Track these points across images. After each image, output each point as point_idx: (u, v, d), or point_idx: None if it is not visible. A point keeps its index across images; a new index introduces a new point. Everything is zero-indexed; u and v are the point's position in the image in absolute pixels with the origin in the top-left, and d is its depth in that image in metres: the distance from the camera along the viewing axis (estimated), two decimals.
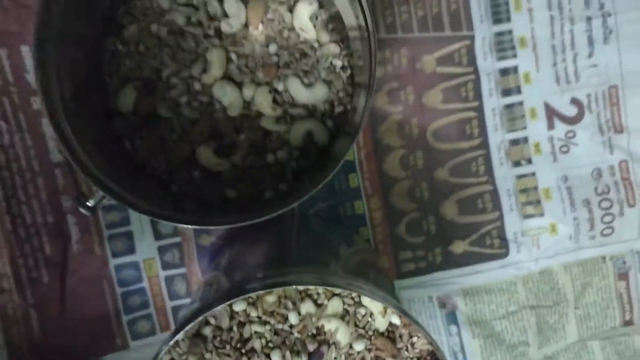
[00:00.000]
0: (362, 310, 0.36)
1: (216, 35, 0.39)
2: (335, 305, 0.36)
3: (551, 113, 0.49)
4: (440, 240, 0.50)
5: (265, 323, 0.36)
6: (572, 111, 0.49)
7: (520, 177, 0.50)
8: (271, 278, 0.33)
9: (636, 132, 0.50)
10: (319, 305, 0.36)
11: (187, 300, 0.48)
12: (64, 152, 0.32)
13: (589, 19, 0.48)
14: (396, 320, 0.36)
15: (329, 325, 0.36)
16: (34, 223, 0.46)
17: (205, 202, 0.40)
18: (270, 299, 0.35)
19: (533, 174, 0.50)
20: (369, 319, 0.36)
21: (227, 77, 0.40)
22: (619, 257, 0.51)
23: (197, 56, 0.39)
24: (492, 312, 0.50)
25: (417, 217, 0.50)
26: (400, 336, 0.37)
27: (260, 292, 0.32)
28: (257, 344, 0.35)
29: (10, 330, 0.46)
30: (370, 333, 0.37)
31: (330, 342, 0.36)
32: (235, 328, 0.35)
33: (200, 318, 0.30)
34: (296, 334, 0.36)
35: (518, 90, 0.49)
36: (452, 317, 0.51)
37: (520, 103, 0.49)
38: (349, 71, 0.41)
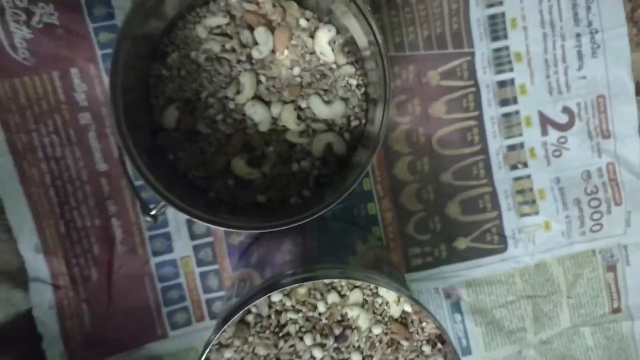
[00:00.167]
0: (379, 300, 0.39)
1: (247, 61, 0.41)
2: (356, 296, 0.38)
3: (545, 121, 0.51)
4: (445, 237, 0.51)
5: (298, 311, 0.38)
6: (563, 119, 0.51)
7: (517, 179, 0.51)
8: (300, 274, 0.35)
9: (622, 137, 0.51)
10: (342, 296, 0.38)
11: (220, 294, 0.50)
12: (133, 167, 0.34)
13: (578, 35, 0.50)
14: (408, 308, 0.38)
15: (352, 313, 0.38)
16: (84, 227, 0.48)
17: (239, 207, 0.41)
18: (302, 291, 0.37)
19: (529, 176, 0.51)
20: (385, 307, 0.39)
21: (257, 97, 0.41)
22: (607, 251, 0.53)
23: (231, 79, 0.41)
24: (492, 301, 0.52)
25: (424, 216, 0.51)
26: (412, 321, 0.39)
27: (294, 285, 0.34)
28: (292, 328, 0.38)
29: (65, 323, 0.48)
30: (386, 319, 0.39)
31: (353, 326, 0.38)
32: (273, 316, 0.38)
33: (246, 308, 0.33)
34: (324, 320, 0.38)
35: (514, 101, 0.50)
36: (456, 307, 0.52)
37: (517, 112, 0.51)
38: (363, 89, 0.42)
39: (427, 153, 0.50)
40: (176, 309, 0.50)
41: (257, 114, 0.41)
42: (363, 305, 0.39)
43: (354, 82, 0.42)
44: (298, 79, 0.41)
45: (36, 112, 0.46)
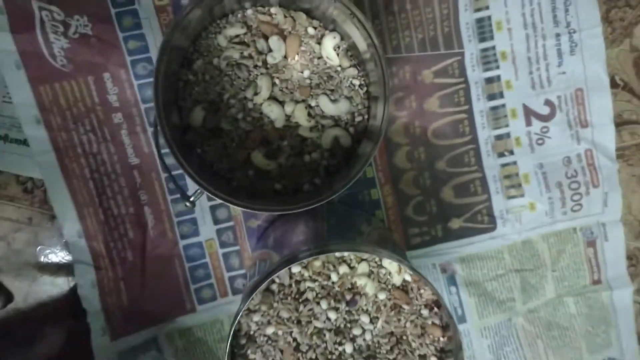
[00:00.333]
0: (383, 270, 0.41)
1: (263, 66, 0.42)
2: (363, 267, 0.40)
3: (528, 112, 0.52)
4: (440, 219, 0.53)
5: (314, 281, 0.40)
6: (545, 110, 0.52)
7: (504, 165, 0.53)
8: (314, 250, 0.37)
9: (599, 126, 0.52)
10: (351, 268, 0.41)
11: (241, 272, 0.51)
12: (175, 161, 0.37)
13: (558, 35, 0.51)
14: (408, 277, 0.40)
15: (360, 282, 0.40)
16: (120, 214, 0.50)
17: (258, 194, 0.43)
18: (317, 263, 0.40)
19: (514, 162, 0.53)
20: (388, 277, 0.41)
21: (272, 97, 0.42)
22: (587, 228, 0.54)
23: (249, 82, 0.42)
24: (484, 275, 0.53)
25: (421, 200, 0.52)
26: (412, 289, 0.41)
27: (310, 258, 0.36)
28: (309, 295, 0.40)
29: (105, 299, 0.50)
30: (390, 287, 0.41)
31: (361, 293, 0.40)
32: (293, 285, 0.40)
33: (270, 278, 0.35)
34: (337, 288, 0.40)
35: (501, 95, 0.52)
36: (452, 280, 0.53)
37: (503, 105, 0.52)
38: (365, 88, 0.43)
39: (423, 143, 0.52)
40: (202, 285, 0.51)
41: (273, 112, 0.42)
42: (369, 275, 0.41)
43: (356, 82, 0.43)
44: (308, 81, 0.43)
45: (75, 113, 0.48)
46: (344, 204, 0.52)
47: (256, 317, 0.40)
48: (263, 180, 0.43)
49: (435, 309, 0.41)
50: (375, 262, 0.41)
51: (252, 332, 0.40)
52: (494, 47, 0.51)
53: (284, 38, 0.42)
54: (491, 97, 0.52)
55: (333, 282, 0.41)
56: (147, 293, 0.50)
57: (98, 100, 0.48)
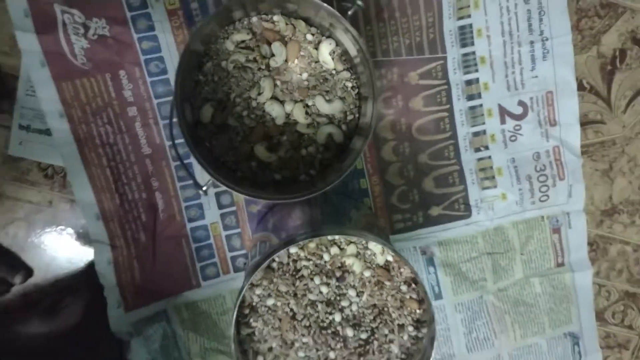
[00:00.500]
0: (369, 252, 0.42)
1: (266, 69, 0.43)
2: (352, 249, 0.42)
3: (503, 112, 0.54)
4: (422, 206, 0.54)
5: (309, 260, 0.42)
6: (519, 110, 0.54)
7: (480, 159, 0.54)
8: (309, 234, 0.39)
9: (566, 125, 0.54)
10: (341, 249, 0.42)
11: (242, 252, 0.53)
12: (193, 152, 0.38)
13: (532, 42, 0.53)
14: (390, 257, 0.42)
15: (349, 261, 0.42)
16: (134, 199, 0.51)
17: (260, 183, 0.44)
18: (312, 245, 0.42)
19: (489, 157, 0.54)
20: (373, 257, 0.43)
21: (274, 97, 0.44)
22: (553, 217, 0.55)
23: (253, 83, 0.43)
24: (459, 257, 0.55)
25: (405, 190, 0.54)
26: (393, 268, 0.43)
27: (306, 240, 0.38)
28: (305, 272, 0.42)
29: (120, 275, 0.52)
30: (374, 265, 0.43)
31: (350, 271, 0.42)
32: (291, 263, 0.42)
33: (271, 258, 0.37)
34: (328, 266, 0.42)
35: (479, 96, 0.53)
36: (430, 261, 0.55)
37: (481, 105, 0.53)
38: (356, 89, 0.45)
39: (408, 139, 0.53)
40: (207, 264, 0.53)
41: (274, 110, 0.43)
42: (357, 255, 0.42)
43: (349, 84, 0.45)
44: (306, 83, 0.44)
45: (93, 107, 0.50)
46: (336, 193, 0.53)
47: (258, 291, 0.42)
48: (264, 171, 0.45)
49: (413, 285, 0.43)
50: (362, 245, 0.43)
51: (254, 304, 0.43)
52: (474, 53, 0.52)
53: (285, 44, 0.44)
54: (470, 97, 0.53)
55: (325, 261, 0.42)
56: (158, 270, 0.52)
57: (115, 95, 0.50)
